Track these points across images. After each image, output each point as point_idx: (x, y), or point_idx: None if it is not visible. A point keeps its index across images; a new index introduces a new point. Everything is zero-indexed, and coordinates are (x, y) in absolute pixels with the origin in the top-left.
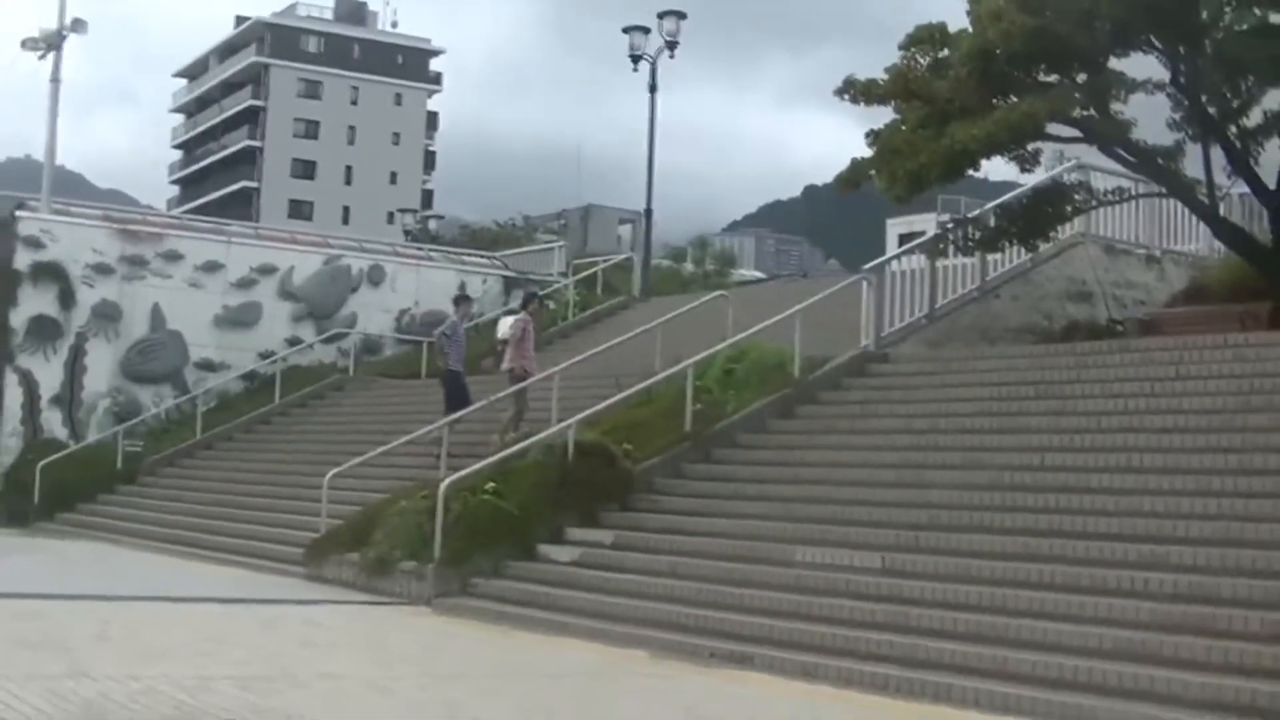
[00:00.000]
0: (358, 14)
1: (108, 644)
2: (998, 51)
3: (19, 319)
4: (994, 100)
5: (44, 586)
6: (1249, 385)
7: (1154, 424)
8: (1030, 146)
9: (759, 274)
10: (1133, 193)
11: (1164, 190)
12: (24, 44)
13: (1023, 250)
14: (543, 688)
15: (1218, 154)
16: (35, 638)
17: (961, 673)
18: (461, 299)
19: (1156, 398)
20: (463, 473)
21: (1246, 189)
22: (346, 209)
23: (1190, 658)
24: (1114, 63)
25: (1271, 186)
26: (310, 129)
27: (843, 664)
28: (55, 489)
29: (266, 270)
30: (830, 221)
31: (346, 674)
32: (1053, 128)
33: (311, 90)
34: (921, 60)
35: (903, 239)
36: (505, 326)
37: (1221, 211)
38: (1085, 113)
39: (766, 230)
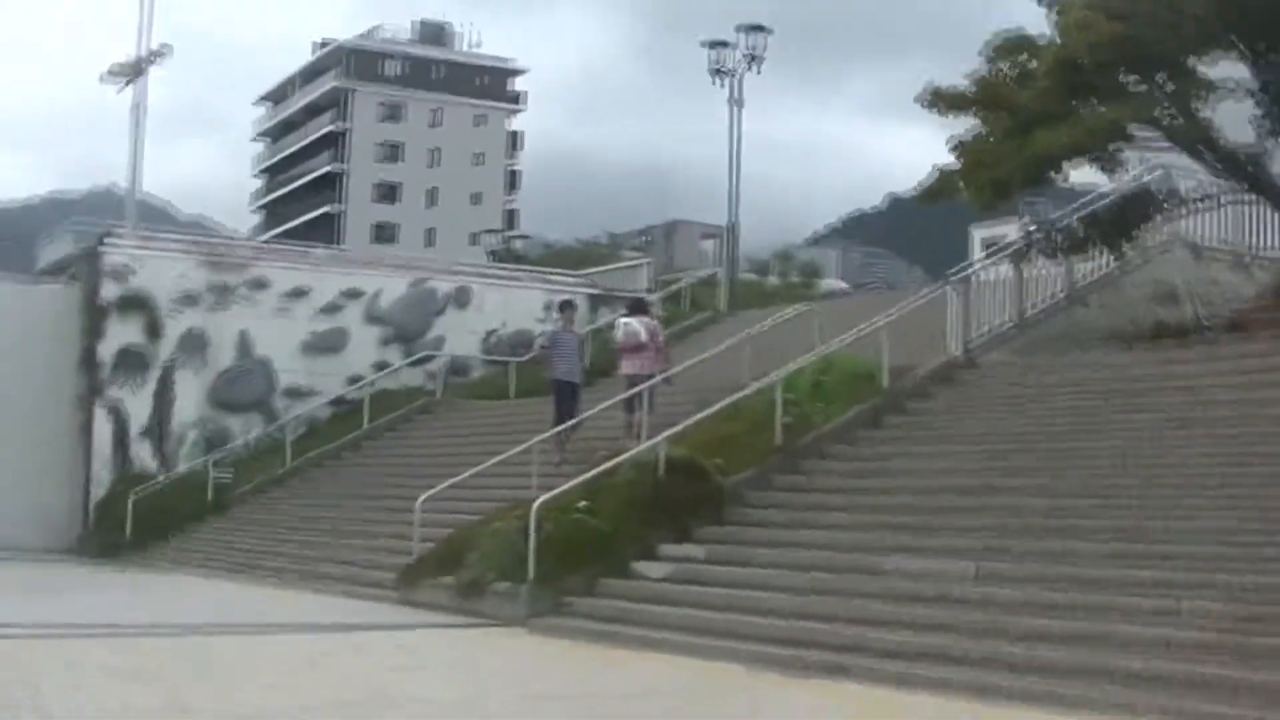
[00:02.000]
0: (439, 35)
1: (205, 675)
2: (1082, 61)
3: (107, 351)
4: (1077, 105)
5: (139, 619)
6: None
7: (1243, 421)
8: (1114, 151)
9: (844, 285)
10: (1219, 196)
11: (1250, 192)
12: (105, 75)
13: (1110, 257)
14: (639, 706)
15: None
16: (131, 671)
17: (1061, 676)
18: (565, 304)
19: (1246, 396)
20: (554, 492)
21: None
22: (430, 231)
23: None
24: (1198, 67)
25: None
26: (392, 152)
27: (939, 671)
28: (147, 521)
29: (353, 295)
30: (914, 231)
31: (442, 698)
32: (1138, 131)
33: (393, 113)
34: (1008, 71)
35: (987, 245)
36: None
37: None
38: (1169, 116)
39: (850, 241)
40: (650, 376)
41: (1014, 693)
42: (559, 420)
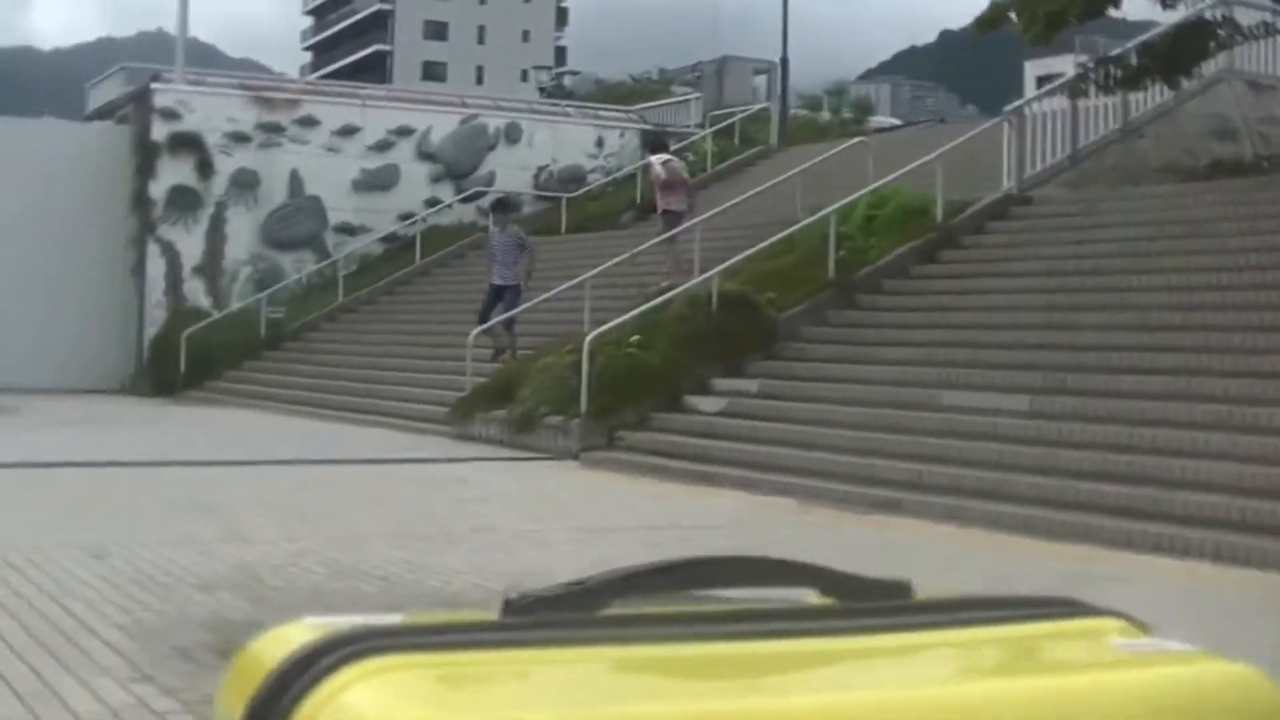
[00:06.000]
0: None
1: (262, 508)
2: None
3: (159, 190)
4: None
5: (196, 453)
6: None
7: None
8: None
9: (895, 121)
10: (1278, 26)
11: None
12: None
13: (1165, 89)
14: (694, 537)
15: None
16: (190, 503)
17: (1111, 513)
18: (496, 203)
19: None
20: (606, 326)
21: None
22: (480, 69)
23: None
24: None
25: None
26: None
27: (991, 507)
28: (200, 357)
29: (403, 132)
30: (966, 66)
31: (500, 528)
32: None
33: None
34: None
35: (1040, 82)
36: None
37: None
38: None
39: (901, 77)
40: (681, 214)
41: (1064, 529)
42: (481, 319)
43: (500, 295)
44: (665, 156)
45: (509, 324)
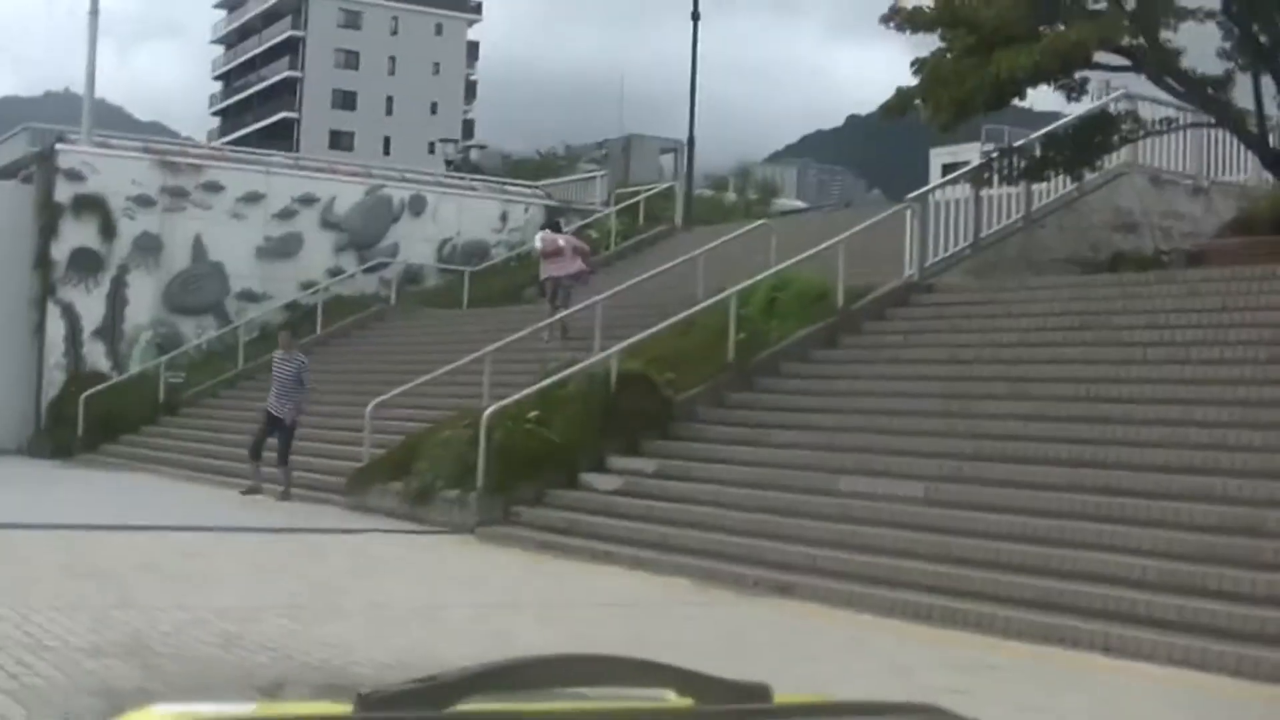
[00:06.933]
0: None
1: (155, 574)
2: None
3: (60, 251)
4: (1041, 28)
5: (91, 517)
6: None
7: (1200, 355)
8: (1078, 75)
9: (801, 203)
10: (1181, 122)
11: (1213, 120)
12: None
13: (1068, 180)
14: (589, 617)
15: (1268, 83)
16: (83, 568)
17: (1004, 603)
18: (283, 327)
19: (1203, 329)
20: (505, 401)
21: None
22: (387, 140)
23: (1234, 590)
24: None
25: None
26: (350, 59)
27: (885, 593)
28: (98, 421)
29: (308, 201)
30: (873, 151)
31: (393, 603)
32: (1101, 56)
33: (351, 20)
34: None
35: (946, 169)
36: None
37: (1271, 142)
38: (1134, 41)
39: (809, 159)
40: (558, 279)
41: (958, 617)
42: (253, 445)
43: (279, 425)
44: (543, 232)
45: (285, 460)
